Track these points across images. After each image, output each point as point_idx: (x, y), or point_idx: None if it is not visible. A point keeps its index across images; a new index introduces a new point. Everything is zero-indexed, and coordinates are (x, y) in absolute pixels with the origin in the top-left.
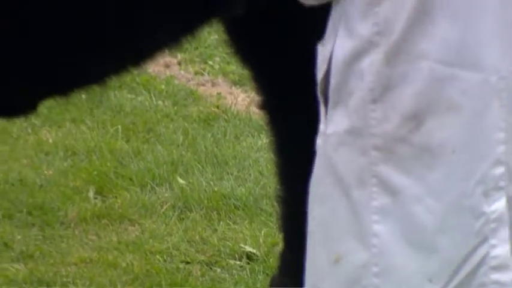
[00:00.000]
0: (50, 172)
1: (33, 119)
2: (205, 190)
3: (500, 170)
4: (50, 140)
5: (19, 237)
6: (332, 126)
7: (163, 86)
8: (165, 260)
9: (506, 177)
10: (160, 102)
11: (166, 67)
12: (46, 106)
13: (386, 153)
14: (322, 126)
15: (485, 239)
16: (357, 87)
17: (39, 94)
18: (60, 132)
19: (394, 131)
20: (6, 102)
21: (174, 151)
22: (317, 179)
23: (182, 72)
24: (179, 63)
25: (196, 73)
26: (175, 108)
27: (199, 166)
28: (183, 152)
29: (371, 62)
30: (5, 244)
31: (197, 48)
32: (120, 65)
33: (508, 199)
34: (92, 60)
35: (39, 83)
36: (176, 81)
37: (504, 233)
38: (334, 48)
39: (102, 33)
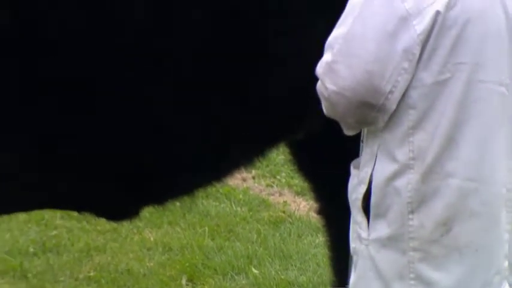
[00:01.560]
0: (151, 264)
1: (138, 222)
2: (274, 278)
3: (506, 263)
4: (151, 238)
5: None
6: (374, 233)
7: (241, 196)
8: None
9: (508, 268)
10: (238, 208)
11: (243, 180)
12: (148, 211)
13: (422, 253)
14: (363, 234)
15: None
16: (394, 201)
17: (142, 204)
18: (159, 232)
19: (428, 235)
20: (116, 210)
21: (250, 247)
22: (359, 276)
23: (256, 184)
24: (253, 178)
25: (267, 185)
26: (251, 213)
27: (269, 259)
28: (257, 248)
29: (408, 181)
30: None
31: (267, 165)
32: (207, 181)
33: (510, 286)
34: (185, 179)
35: (143, 197)
36: (251, 192)
37: None
38: (374, 171)
39: (197, 163)
